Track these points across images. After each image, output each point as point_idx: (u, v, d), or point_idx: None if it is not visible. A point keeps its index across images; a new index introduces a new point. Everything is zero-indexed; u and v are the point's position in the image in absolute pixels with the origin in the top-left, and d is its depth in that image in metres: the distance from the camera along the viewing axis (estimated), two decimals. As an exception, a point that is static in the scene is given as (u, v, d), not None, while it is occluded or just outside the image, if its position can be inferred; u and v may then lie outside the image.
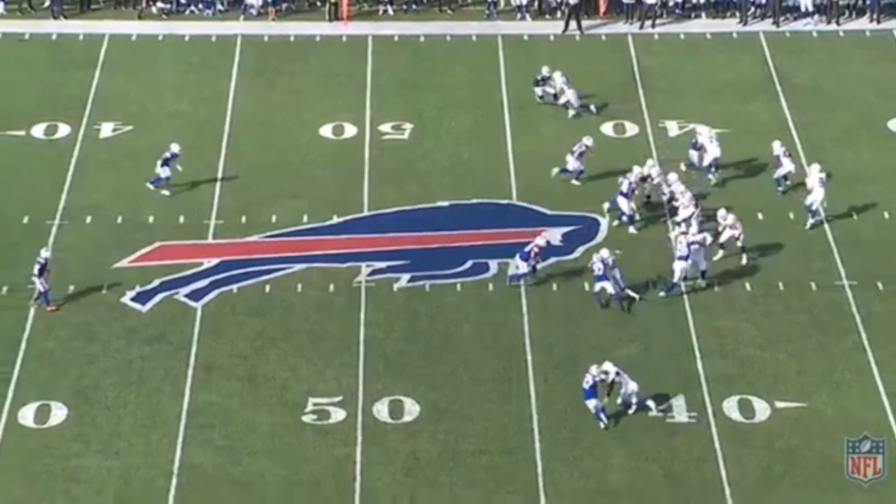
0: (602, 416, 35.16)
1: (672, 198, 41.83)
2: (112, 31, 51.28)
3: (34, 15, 52.12)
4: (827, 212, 42.30)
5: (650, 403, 35.65)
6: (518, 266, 39.54)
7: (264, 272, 40.45)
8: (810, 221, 41.73)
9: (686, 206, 41.20)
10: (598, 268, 38.77)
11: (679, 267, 39.04)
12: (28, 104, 47.25)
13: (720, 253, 40.39)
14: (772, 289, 39.78)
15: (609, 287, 38.69)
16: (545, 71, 47.06)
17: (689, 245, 39.06)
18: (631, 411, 35.60)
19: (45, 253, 38.96)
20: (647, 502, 33.63)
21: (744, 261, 40.32)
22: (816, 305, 39.29)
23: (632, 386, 35.39)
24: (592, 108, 46.57)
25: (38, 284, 38.64)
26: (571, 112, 46.43)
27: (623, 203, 41.72)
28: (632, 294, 39.04)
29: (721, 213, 40.72)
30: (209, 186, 43.45)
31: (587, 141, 43.66)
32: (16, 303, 39.00)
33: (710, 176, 43.31)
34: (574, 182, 43.28)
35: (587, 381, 35.25)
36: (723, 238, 40.42)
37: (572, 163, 43.27)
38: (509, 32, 51.44)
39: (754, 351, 37.83)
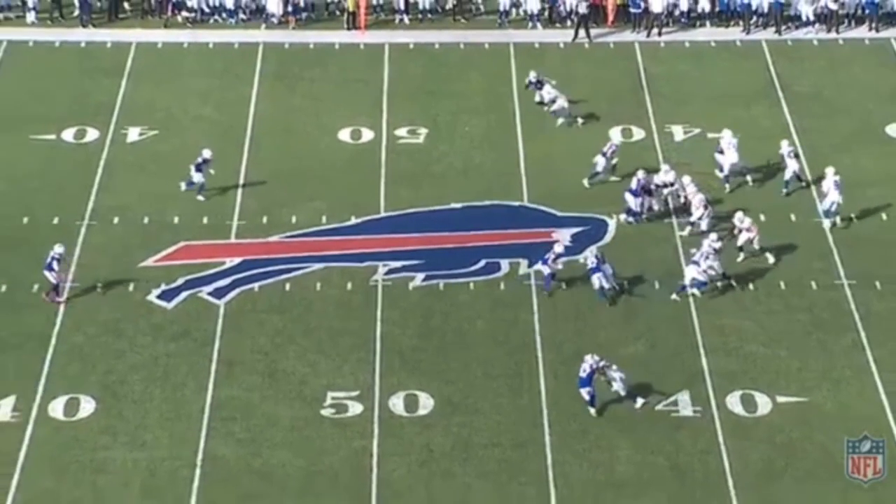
0: (595, 402, 35.36)
1: (685, 199, 41.75)
2: (139, 39, 51.36)
3: (64, 24, 52.16)
4: (827, 215, 42.31)
5: (640, 400, 35.80)
6: (542, 271, 39.40)
7: (284, 271, 40.47)
8: (826, 223, 41.65)
9: (697, 208, 41.13)
10: (591, 262, 38.91)
11: (691, 271, 38.91)
12: (58, 109, 47.30)
13: (741, 256, 40.27)
14: (774, 288, 39.72)
15: (601, 280, 38.79)
16: (533, 76, 47.00)
17: (712, 254, 39.01)
18: (637, 405, 35.67)
19: (58, 248, 39.05)
20: (652, 493, 33.62)
21: (771, 260, 40.16)
22: (817, 304, 39.23)
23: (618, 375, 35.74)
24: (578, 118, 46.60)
25: (50, 277, 38.72)
26: (561, 120, 46.33)
27: (630, 199, 41.71)
28: (619, 288, 39.14)
29: (738, 216, 40.62)
30: (232, 188, 43.47)
31: (616, 140, 43.81)
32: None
33: (727, 184, 43.15)
34: (584, 182, 43.19)
35: (584, 370, 35.34)
36: (740, 241, 40.30)
37: (602, 162, 43.05)
38: (521, 40, 51.44)
39: (757, 348, 37.79)
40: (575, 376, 36.28)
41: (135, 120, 46.91)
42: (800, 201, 42.87)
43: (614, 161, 43.38)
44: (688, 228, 41.24)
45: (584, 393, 35.44)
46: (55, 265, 38.80)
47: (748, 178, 43.47)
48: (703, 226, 40.82)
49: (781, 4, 51.46)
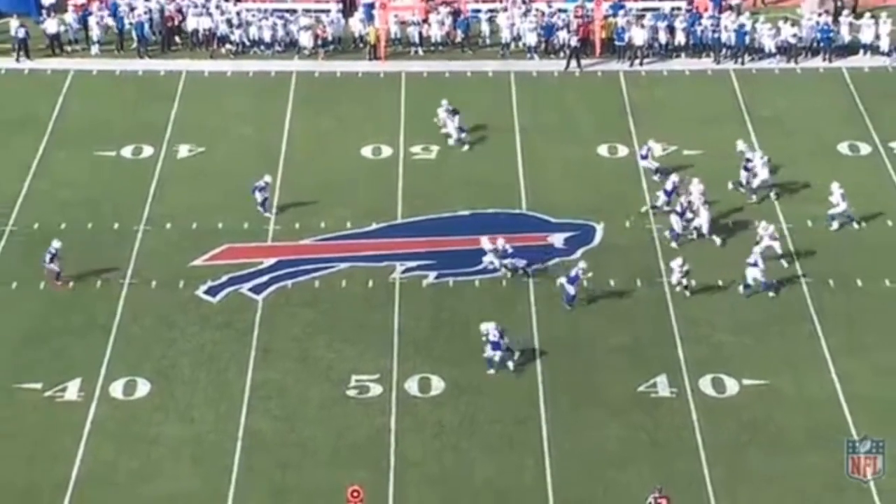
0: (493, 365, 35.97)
1: (690, 206, 41.35)
2: (188, 68, 51.27)
3: (123, 55, 52.12)
4: (787, 220, 42.12)
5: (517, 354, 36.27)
6: (566, 288, 38.53)
7: (314, 270, 40.41)
8: (835, 225, 41.57)
9: (697, 208, 40.87)
10: (496, 247, 39.34)
11: (751, 273, 38.67)
12: (118, 129, 47.21)
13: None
14: (740, 285, 39.56)
15: (495, 261, 39.33)
16: (445, 104, 46.68)
17: (761, 254, 38.82)
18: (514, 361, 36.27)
19: (56, 244, 39.20)
20: (635, 463, 33.58)
21: (785, 264, 39.89)
22: (778, 299, 39.07)
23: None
24: (465, 144, 45.97)
25: (53, 266, 38.90)
26: (451, 141, 45.96)
27: (662, 197, 41.83)
28: (523, 271, 39.39)
29: (763, 224, 40.32)
30: (269, 197, 43.32)
31: (651, 143, 44.40)
32: (108, 294, 39.05)
33: (754, 196, 42.69)
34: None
35: (493, 336, 35.74)
36: (761, 246, 39.72)
37: (649, 164, 43.38)
38: (520, 70, 51.28)
39: (725, 337, 37.68)
40: (567, 362, 36.37)
41: (184, 138, 46.83)
42: (765, 210, 42.67)
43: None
44: (718, 240, 40.87)
45: (496, 356, 35.78)
46: (47, 257, 38.85)
47: (772, 193, 42.97)
48: (704, 228, 40.82)
49: (744, 38, 51.27)
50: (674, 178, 42.15)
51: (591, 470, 33.43)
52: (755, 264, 38.74)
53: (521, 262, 39.67)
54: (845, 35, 51.94)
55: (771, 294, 38.77)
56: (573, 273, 38.54)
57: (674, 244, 40.94)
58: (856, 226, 41.63)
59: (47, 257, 39.05)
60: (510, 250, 39.64)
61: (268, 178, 42.72)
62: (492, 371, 35.93)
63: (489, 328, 36.12)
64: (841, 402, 35.30)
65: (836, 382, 35.99)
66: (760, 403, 35.40)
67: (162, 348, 37.28)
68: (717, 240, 40.94)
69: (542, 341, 37.38)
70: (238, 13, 52.81)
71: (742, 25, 51.29)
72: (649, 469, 33.31)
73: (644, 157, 43.57)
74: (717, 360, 36.87)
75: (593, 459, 33.71)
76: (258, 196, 42.35)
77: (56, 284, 39.13)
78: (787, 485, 32.97)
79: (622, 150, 46.03)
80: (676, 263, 39.03)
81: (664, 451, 33.98)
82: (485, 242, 39.96)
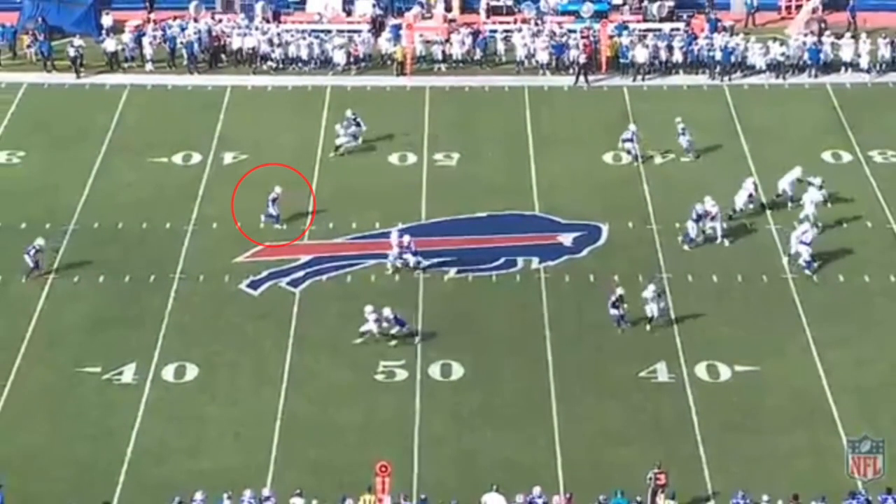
0: None
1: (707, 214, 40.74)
2: (233, 83, 51.16)
3: (174, 71, 52.06)
4: (776, 222, 41.78)
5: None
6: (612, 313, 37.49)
7: (346, 266, 40.27)
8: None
9: (714, 217, 40.43)
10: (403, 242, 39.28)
11: (805, 252, 38.78)
12: (169, 138, 47.11)
13: (785, 259, 39.83)
14: (733, 280, 39.31)
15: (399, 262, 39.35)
16: (349, 112, 46.50)
17: (810, 239, 38.80)
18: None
19: (39, 241, 39.15)
20: (637, 443, 33.37)
21: (814, 277, 39.24)
22: (767, 294, 38.80)
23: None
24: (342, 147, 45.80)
25: (28, 261, 38.70)
26: (342, 150, 45.65)
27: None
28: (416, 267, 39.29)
29: (799, 230, 39.82)
30: (306, 200, 43.24)
31: (632, 127, 45.14)
32: (160, 287, 38.98)
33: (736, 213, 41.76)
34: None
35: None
36: (792, 250, 39.54)
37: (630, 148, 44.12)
38: (533, 84, 51.05)
39: (719, 327, 37.42)
40: (574, 349, 36.15)
41: (229, 147, 46.72)
42: (754, 213, 42.38)
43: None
44: (726, 241, 40.57)
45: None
46: (32, 252, 38.70)
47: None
48: (718, 232, 40.43)
49: (730, 56, 50.78)
50: (698, 206, 40.76)
51: (596, 448, 33.23)
52: (808, 244, 38.61)
53: (413, 261, 39.30)
54: (828, 54, 51.61)
55: (807, 270, 38.71)
56: (614, 299, 37.11)
57: (686, 247, 40.55)
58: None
59: (31, 251, 38.79)
60: (414, 247, 39.34)
61: (279, 190, 42.15)
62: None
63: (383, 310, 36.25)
64: (823, 386, 35.03)
65: (819, 368, 35.69)
66: (751, 388, 35.12)
67: (208, 336, 37.19)
68: (727, 242, 40.62)
69: (551, 330, 37.17)
70: (278, 33, 52.75)
71: (727, 44, 50.98)
72: (650, 447, 33.06)
73: (629, 141, 43.28)
74: (711, 348, 36.57)
75: (599, 438, 33.50)
76: (275, 209, 41.65)
77: (32, 276, 38.82)
78: (775, 463, 32.70)
79: (625, 158, 45.76)
80: (650, 291, 37.31)
81: (663, 430, 33.74)
82: (394, 238, 39.51)
